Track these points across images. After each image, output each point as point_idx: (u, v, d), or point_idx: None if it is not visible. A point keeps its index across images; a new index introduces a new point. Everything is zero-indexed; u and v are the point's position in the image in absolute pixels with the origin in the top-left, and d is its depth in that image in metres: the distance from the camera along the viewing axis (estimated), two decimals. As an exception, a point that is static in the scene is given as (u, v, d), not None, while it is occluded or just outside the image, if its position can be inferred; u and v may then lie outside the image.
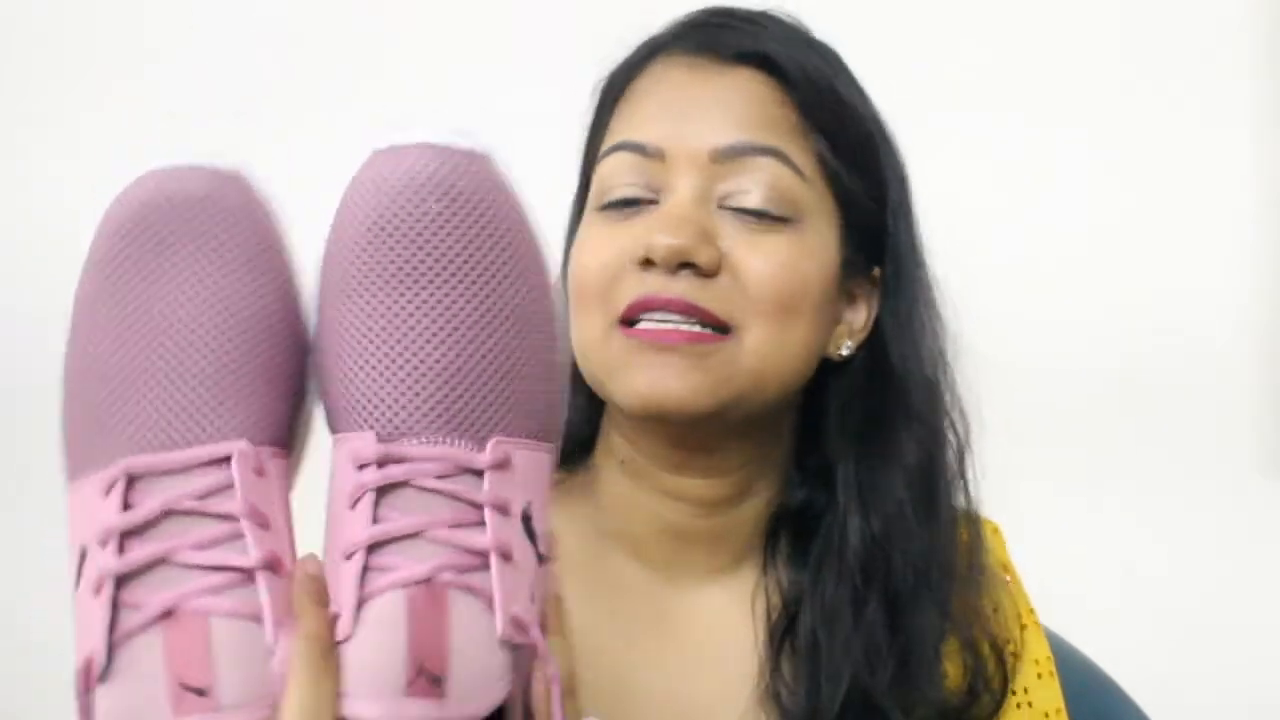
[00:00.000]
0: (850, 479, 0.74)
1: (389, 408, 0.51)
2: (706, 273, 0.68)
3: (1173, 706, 0.92)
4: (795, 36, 0.75)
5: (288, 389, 0.53)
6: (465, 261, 0.52)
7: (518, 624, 0.51)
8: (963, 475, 0.76)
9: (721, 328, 0.69)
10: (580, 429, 0.77)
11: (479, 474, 0.51)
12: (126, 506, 0.49)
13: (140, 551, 0.49)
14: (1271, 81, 1.42)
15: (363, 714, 0.47)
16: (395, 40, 1.46)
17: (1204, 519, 1.41)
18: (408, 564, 0.50)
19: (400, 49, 1.45)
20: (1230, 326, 1.42)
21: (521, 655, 0.52)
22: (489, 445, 0.52)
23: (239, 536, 0.49)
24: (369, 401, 0.52)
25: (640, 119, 0.73)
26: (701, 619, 0.74)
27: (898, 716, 0.70)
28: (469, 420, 0.52)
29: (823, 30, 0.77)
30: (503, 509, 0.52)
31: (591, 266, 0.71)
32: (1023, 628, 0.79)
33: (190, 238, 0.52)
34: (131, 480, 0.50)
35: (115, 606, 0.48)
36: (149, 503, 0.49)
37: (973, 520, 0.78)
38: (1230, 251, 1.42)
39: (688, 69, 0.73)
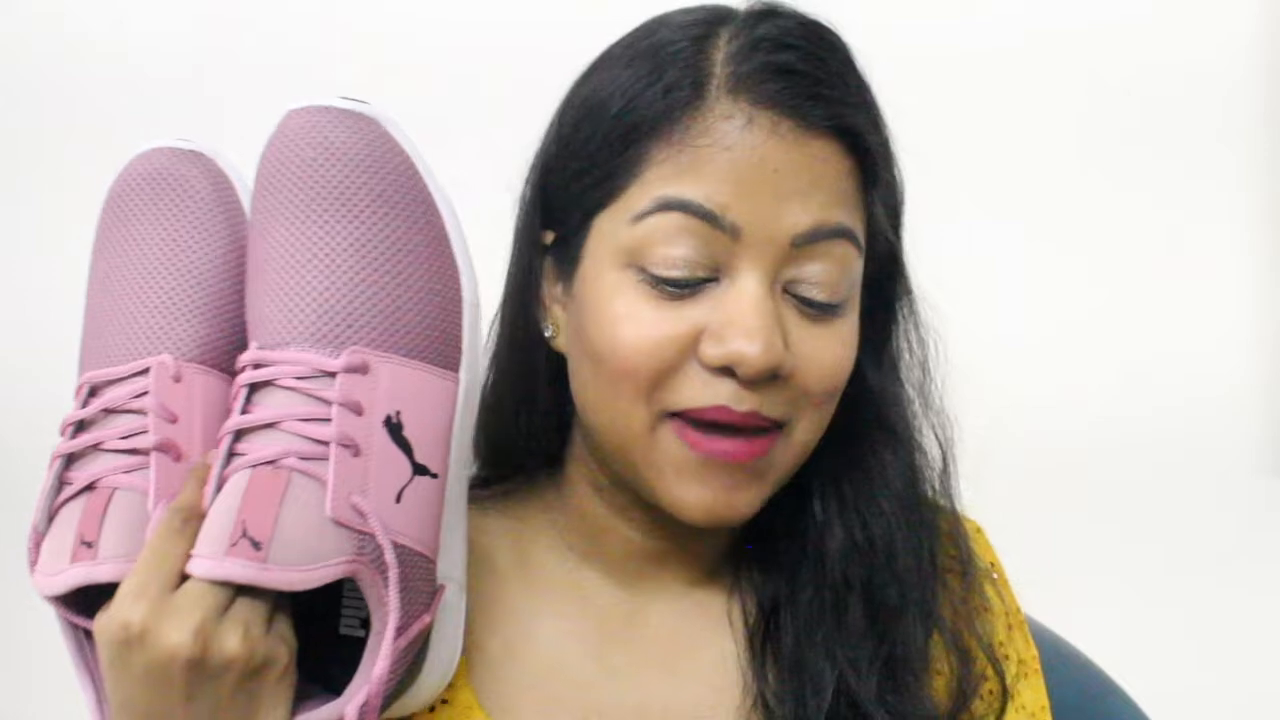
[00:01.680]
0: (829, 491, 0.71)
1: (271, 323, 0.61)
2: (782, 380, 0.64)
3: (1173, 707, 0.89)
4: (858, 86, 0.68)
5: (225, 319, 0.64)
6: (337, 199, 0.61)
7: (356, 510, 0.57)
8: (945, 482, 0.74)
9: (778, 425, 0.66)
10: (549, 444, 0.73)
11: (333, 376, 0.59)
12: (83, 406, 0.62)
13: (83, 439, 0.61)
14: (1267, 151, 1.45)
15: (193, 569, 0.56)
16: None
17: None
18: (259, 449, 0.58)
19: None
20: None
21: (407, 564, 0.59)
22: (345, 353, 0.59)
23: (147, 429, 0.61)
24: (258, 319, 0.61)
25: (708, 180, 0.63)
26: (673, 630, 0.72)
27: None
28: (333, 333, 0.60)
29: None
30: (354, 408, 0.59)
31: (638, 349, 0.63)
32: (1009, 627, 0.75)
33: (149, 207, 0.66)
34: (95, 389, 0.63)
35: (60, 482, 0.61)
36: (95, 403, 0.62)
37: (955, 519, 0.75)
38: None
39: (769, 134, 0.63)
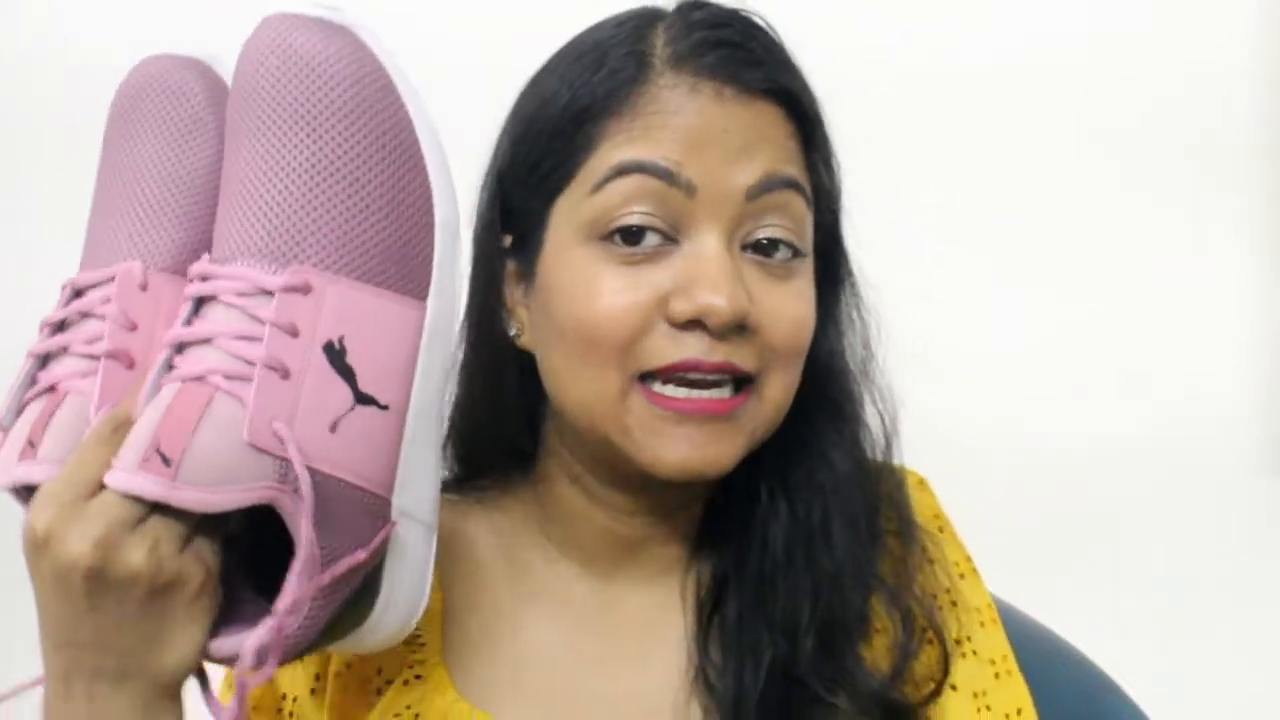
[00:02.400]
0: (775, 466, 0.72)
1: (223, 237, 0.59)
2: (749, 332, 0.66)
3: (1173, 706, 0.89)
4: (790, 58, 0.71)
5: (209, 228, 0.62)
6: (300, 113, 0.59)
7: (276, 436, 0.55)
8: (887, 455, 0.76)
9: (746, 378, 0.67)
10: (522, 444, 0.75)
11: (271, 294, 0.57)
12: (64, 307, 0.63)
13: (55, 340, 0.61)
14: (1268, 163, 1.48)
15: (108, 479, 0.54)
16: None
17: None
18: (191, 363, 0.56)
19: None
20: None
21: (335, 496, 0.56)
22: (287, 271, 0.57)
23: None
24: (217, 233, 0.60)
25: (661, 143, 0.66)
26: (644, 617, 0.73)
27: (823, 692, 0.68)
28: (279, 250, 0.57)
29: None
30: (289, 330, 0.56)
31: (608, 315, 0.65)
32: (960, 576, 0.76)
33: (144, 114, 0.65)
34: (77, 291, 0.63)
35: (30, 380, 0.61)
36: (74, 305, 0.62)
37: (896, 481, 0.76)
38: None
39: (714, 98, 0.66)
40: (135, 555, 0.54)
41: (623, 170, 0.65)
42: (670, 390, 0.66)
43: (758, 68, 0.68)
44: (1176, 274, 1.50)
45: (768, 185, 0.66)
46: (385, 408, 0.58)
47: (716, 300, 0.64)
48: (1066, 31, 1.50)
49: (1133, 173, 1.50)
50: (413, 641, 0.71)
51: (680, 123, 0.66)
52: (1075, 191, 1.49)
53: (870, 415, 0.75)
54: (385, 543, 0.60)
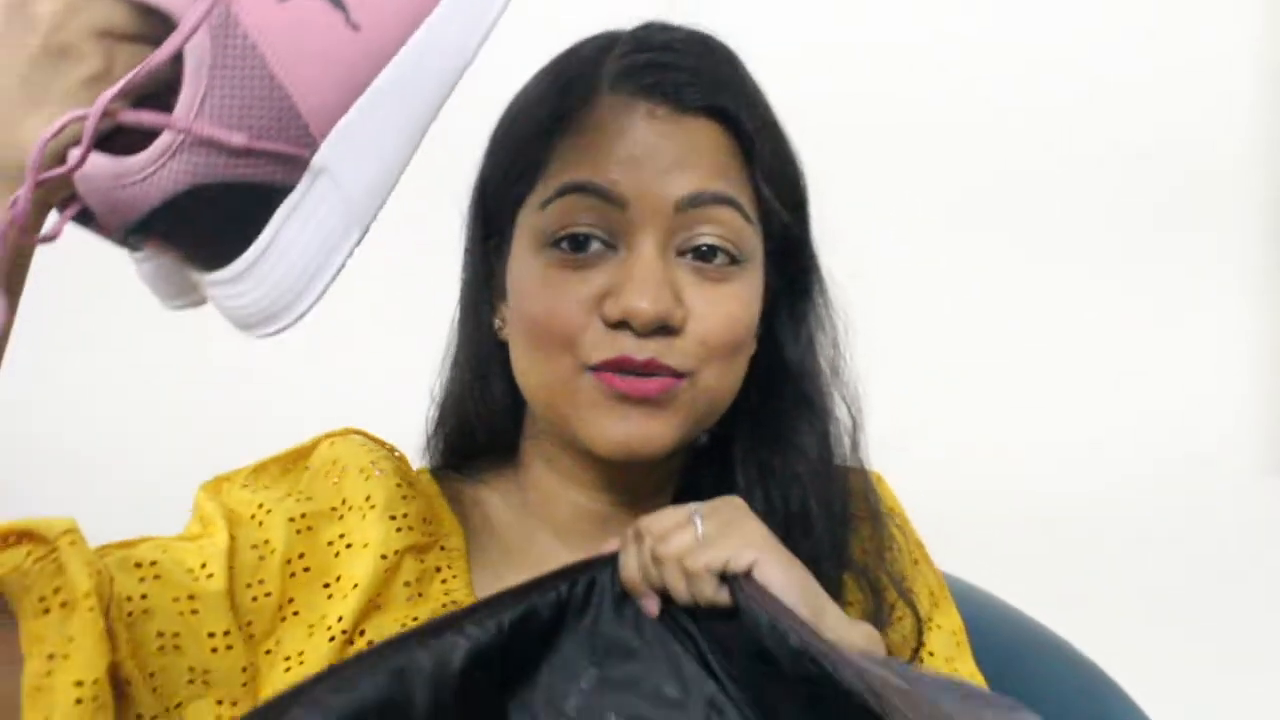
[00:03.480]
0: (750, 460, 0.78)
1: None
2: (675, 332, 0.72)
3: (1172, 705, 0.90)
4: (736, 77, 0.77)
5: None
6: None
7: None
8: (855, 447, 0.81)
9: (680, 375, 0.73)
10: (505, 428, 0.81)
11: None
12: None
13: None
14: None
15: None
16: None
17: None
18: None
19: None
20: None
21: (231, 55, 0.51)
22: None
23: None
24: None
25: (596, 163, 0.73)
26: None
27: None
28: None
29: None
30: None
31: (547, 316, 0.73)
32: (914, 562, 0.83)
33: None
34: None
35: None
36: None
37: (864, 478, 0.82)
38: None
39: (646, 117, 0.73)
40: (46, 4, 0.52)
41: (565, 190, 0.73)
42: (613, 374, 0.72)
43: (694, 89, 0.74)
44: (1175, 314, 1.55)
45: (698, 199, 0.73)
46: (356, 28, 0.53)
47: (641, 304, 0.71)
48: (1062, 75, 1.56)
49: (1126, 208, 1.54)
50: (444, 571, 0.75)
51: (617, 142, 0.73)
52: (1079, 222, 1.53)
53: (841, 413, 0.81)
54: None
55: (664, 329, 0.72)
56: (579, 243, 0.73)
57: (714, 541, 0.67)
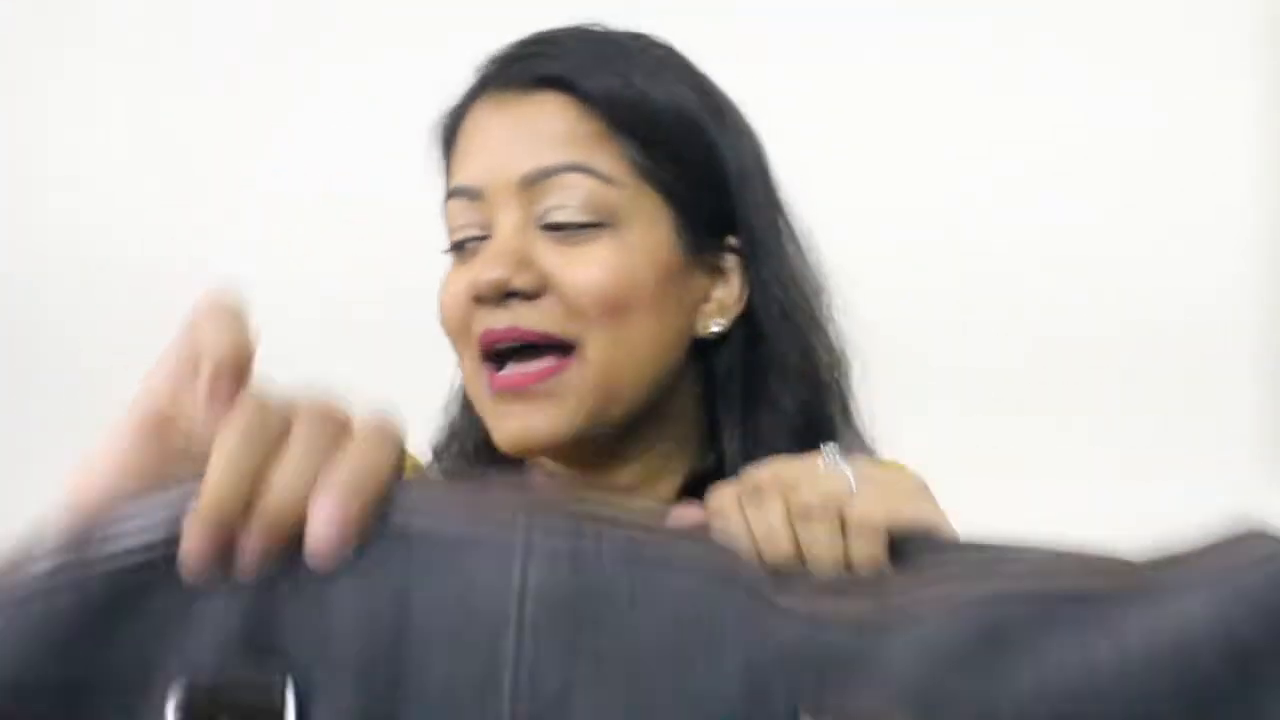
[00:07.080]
0: (736, 440, 0.77)
1: None
2: (530, 295, 0.73)
3: None
4: (600, 48, 0.78)
5: None
6: None
7: None
8: (848, 421, 0.80)
9: (562, 346, 0.73)
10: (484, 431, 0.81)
11: None
12: None
13: None
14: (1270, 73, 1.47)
15: None
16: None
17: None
18: None
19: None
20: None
21: None
22: None
23: None
24: None
25: (462, 163, 0.78)
26: None
27: None
28: None
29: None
30: None
31: (446, 306, 0.77)
32: None
33: None
34: None
35: None
36: None
37: (856, 439, 0.80)
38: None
39: (495, 106, 0.77)
40: None
41: (445, 200, 0.79)
42: (494, 371, 0.74)
43: (532, 66, 0.76)
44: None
45: (542, 173, 0.74)
46: None
47: (483, 275, 0.73)
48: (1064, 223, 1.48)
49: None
50: None
51: (474, 140, 0.78)
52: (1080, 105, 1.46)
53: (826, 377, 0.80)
54: None
55: (516, 294, 0.73)
56: (458, 243, 0.77)
57: (871, 493, 0.58)
